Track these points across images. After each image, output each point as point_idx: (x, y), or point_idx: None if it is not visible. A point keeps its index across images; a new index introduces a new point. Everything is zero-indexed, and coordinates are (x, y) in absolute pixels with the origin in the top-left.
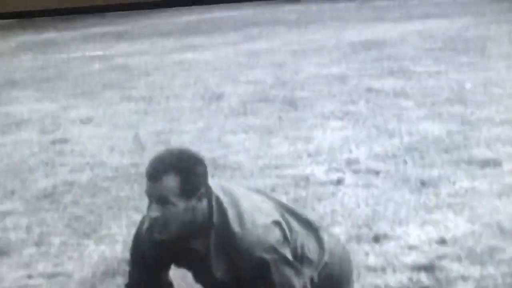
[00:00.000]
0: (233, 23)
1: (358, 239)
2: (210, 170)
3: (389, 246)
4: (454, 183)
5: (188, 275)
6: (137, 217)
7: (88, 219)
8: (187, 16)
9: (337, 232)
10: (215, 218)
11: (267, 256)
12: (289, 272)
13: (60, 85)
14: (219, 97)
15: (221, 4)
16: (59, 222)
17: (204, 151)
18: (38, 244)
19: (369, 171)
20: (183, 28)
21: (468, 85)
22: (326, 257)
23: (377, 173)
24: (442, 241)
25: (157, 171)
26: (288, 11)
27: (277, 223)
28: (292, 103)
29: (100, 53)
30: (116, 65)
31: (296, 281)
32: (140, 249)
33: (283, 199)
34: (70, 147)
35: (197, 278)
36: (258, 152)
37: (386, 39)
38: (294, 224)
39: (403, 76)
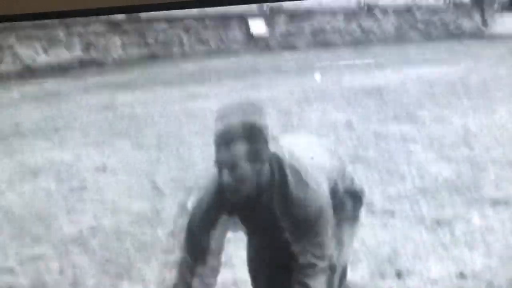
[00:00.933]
0: (232, 72)
1: (382, 275)
2: None
3: (412, 281)
4: (468, 221)
5: None
6: (166, 259)
7: (118, 261)
8: (186, 65)
9: (362, 270)
10: (276, 177)
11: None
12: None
13: (69, 134)
14: None
15: (219, 54)
16: (91, 265)
17: None
18: (73, 285)
19: (385, 211)
20: (184, 77)
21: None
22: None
23: (392, 213)
24: (462, 275)
25: (226, 140)
26: (286, 60)
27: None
28: None
29: (103, 103)
30: (121, 115)
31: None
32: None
33: None
34: (89, 194)
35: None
36: None
37: (387, 85)
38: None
39: (408, 121)
